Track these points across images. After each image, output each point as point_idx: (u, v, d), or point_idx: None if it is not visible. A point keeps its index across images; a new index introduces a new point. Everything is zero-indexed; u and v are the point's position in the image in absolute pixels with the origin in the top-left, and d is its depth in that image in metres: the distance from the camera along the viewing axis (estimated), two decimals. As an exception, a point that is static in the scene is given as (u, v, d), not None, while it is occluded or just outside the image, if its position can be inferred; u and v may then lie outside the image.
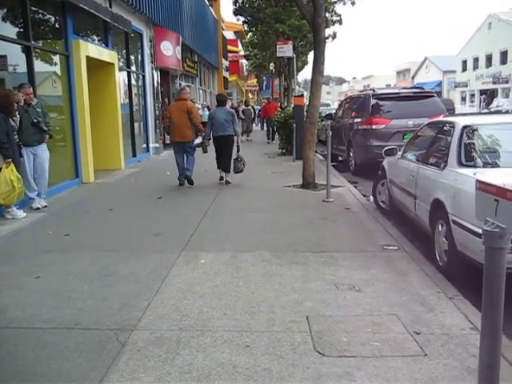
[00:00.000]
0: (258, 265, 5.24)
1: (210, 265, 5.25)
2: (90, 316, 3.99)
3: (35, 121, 7.90)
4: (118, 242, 6.29)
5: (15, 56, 8.82)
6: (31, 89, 8.13)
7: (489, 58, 54.95)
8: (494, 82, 52.63)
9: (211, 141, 10.90)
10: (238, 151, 10.92)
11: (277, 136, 19.82)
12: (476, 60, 58.16)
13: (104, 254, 5.73)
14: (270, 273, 4.99)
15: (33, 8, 9.44)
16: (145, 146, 16.90)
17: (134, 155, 15.40)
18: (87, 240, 6.41)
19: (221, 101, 11.07)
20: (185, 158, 10.38)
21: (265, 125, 25.39)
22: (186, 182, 10.32)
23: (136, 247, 5.98)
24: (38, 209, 8.06)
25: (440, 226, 5.33)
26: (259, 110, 30.34)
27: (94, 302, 4.30)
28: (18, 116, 7.63)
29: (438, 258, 5.38)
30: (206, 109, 22.86)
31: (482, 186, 2.34)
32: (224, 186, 10.48)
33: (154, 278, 4.86)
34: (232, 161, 10.76)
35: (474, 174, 4.71)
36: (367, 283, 4.64)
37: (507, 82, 50.23)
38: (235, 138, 10.78)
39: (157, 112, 18.00)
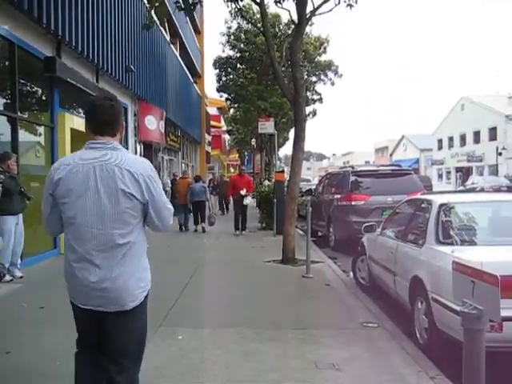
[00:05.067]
0: (237, 341, 5.14)
1: (187, 341, 5.13)
2: (61, 395, 3.83)
3: (22, 189, 7.92)
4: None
5: (0, 125, 8.92)
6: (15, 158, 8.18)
7: (463, 138, 57.01)
8: (469, 160, 54.32)
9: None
10: (210, 211, 16.61)
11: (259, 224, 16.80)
12: (451, 139, 60.23)
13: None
14: (249, 350, 4.88)
15: (21, 81, 9.65)
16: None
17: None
18: (62, 313, 6.18)
19: (197, 179, 16.80)
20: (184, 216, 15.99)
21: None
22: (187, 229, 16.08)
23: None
24: (11, 280, 7.84)
25: (420, 304, 5.33)
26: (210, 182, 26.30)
27: (66, 379, 4.13)
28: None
29: (418, 335, 5.34)
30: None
31: (459, 267, 2.38)
32: (202, 261, 10.44)
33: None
34: (206, 217, 15.83)
35: (452, 251, 4.78)
36: (347, 362, 4.56)
37: (481, 160, 51.90)
38: (207, 202, 16.22)
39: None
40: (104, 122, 2.71)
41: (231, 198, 17.54)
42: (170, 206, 2.87)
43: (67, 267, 2.72)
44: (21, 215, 8.08)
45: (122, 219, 2.64)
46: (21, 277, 8.12)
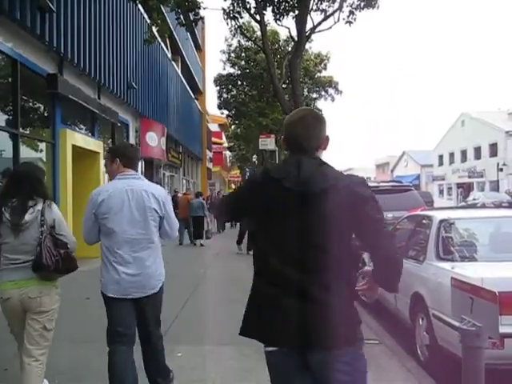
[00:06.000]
0: (237, 359, 5.10)
1: (187, 358, 5.10)
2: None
3: None
4: (92, 333, 6.08)
5: (1, 142, 8.97)
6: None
7: (464, 153, 57.06)
8: (470, 176, 54.32)
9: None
10: (207, 226, 17.16)
11: None
12: (452, 155, 60.29)
13: (77, 345, 5.54)
14: (248, 367, 4.84)
15: (23, 97, 9.72)
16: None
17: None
18: (60, 330, 6.18)
19: (197, 195, 17.96)
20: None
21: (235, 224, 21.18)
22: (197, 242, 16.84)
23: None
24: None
25: (420, 320, 5.30)
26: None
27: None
28: None
29: (419, 352, 5.30)
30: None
31: (457, 284, 2.36)
32: (202, 277, 10.42)
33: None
34: (204, 232, 16.88)
35: (453, 267, 4.76)
36: (348, 379, 4.51)
37: (482, 176, 51.89)
38: (204, 218, 16.88)
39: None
40: (131, 157, 3.90)
41: None
42: (177, 221, 4.00)
43: (106, 266, 3.68)
44: None
45: (148, 227, 3.68)
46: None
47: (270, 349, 2.39)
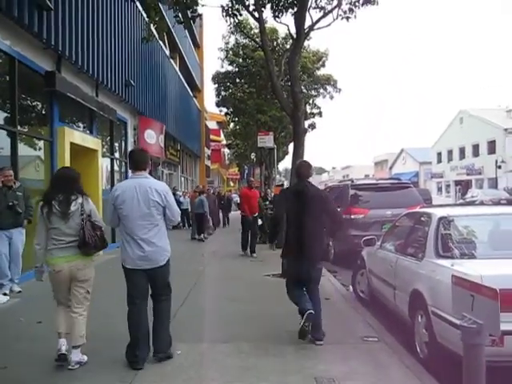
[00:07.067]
0: (235, 356, 5.10)
1: (185, 356, 5.09)
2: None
3: (10, 204, 7.74)
4: (90, 332, 6.08)
5: (0, 140, 8.93)
6: (11, 171, 8.02)
7: (462, 151, 57.09)
8: (468, 174, 54.35)
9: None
10: (209, 223, 18.94)
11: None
12: (450, 152, 60.30)
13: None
14: (247, 365, 4.84)
15: (21, 95, 9.69)
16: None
17: (114, 241, 15.25)
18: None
19: (200, 192, 18.57)
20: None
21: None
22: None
23: (109, 337, 5.79)
24: (6, 294, 7.77)
25: (420, 317, 5.30)
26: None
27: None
28: None
29: (418, 349, 5.30)
30: (186, 196, 22.72)
31: (458, 281, 2.35)
32: (201, 274, 10.42)
33: (127, 370, 4.68)
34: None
35: (452, 265, 4.76)
36: (347, 376, 4.52)
37: (480, 173, 51.93)
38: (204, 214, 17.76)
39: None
40: (139, 161, 4.94)
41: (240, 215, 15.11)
42: (178, 209, 5.05)
43: (124, 245, 4.80)
44: (16, 231, 7.96)
45: (152, 215, 4.74)
46: (19, 291, 8.07)
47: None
